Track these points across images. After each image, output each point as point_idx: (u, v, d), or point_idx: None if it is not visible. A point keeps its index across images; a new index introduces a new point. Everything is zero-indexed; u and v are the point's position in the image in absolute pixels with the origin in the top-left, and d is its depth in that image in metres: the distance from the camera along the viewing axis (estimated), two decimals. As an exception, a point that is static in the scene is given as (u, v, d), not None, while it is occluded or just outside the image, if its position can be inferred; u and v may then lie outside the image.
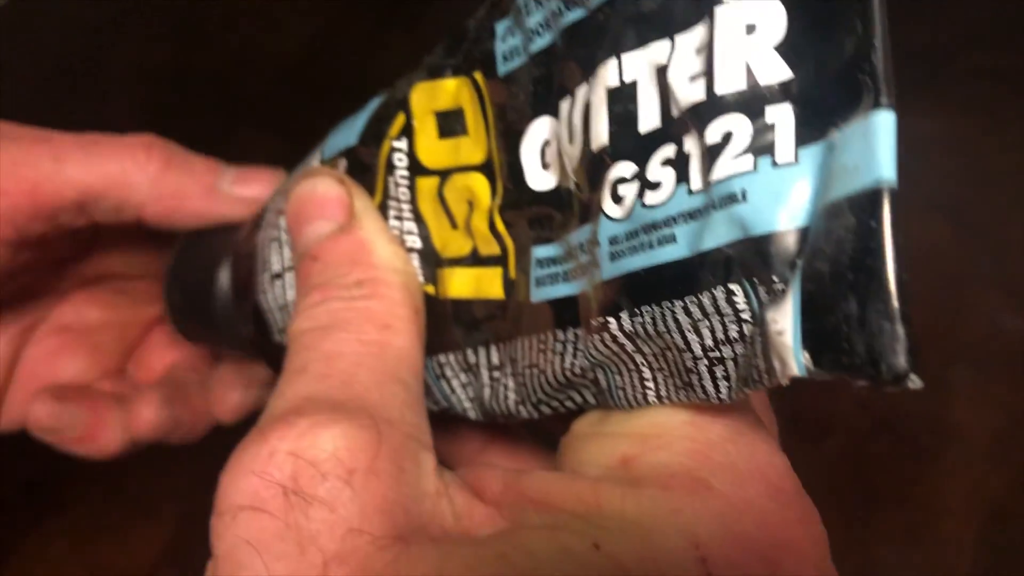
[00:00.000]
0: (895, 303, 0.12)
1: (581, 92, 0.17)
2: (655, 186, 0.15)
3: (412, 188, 0.20)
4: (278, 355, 0.23)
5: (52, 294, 0.29)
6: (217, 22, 0.68)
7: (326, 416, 0.16)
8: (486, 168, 0.19)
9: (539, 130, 0.18)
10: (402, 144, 0.20)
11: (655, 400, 0.17)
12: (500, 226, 0.19)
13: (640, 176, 0.15)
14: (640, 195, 0.15)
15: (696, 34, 0.15)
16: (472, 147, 0.19)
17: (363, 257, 0.19)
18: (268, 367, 0.25)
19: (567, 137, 0.17)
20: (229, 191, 0.24)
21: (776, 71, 0.14)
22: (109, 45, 0.67)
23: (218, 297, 0.25)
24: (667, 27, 0.15)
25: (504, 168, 0.19)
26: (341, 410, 0.16)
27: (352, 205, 0.19)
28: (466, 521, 0.16)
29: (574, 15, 0.17)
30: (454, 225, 0.20)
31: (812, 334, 0.13)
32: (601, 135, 0.16)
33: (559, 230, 0.18)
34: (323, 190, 0.19)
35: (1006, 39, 0.59)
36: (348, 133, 0.21)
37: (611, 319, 0.16)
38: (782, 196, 0.13)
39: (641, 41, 0.15)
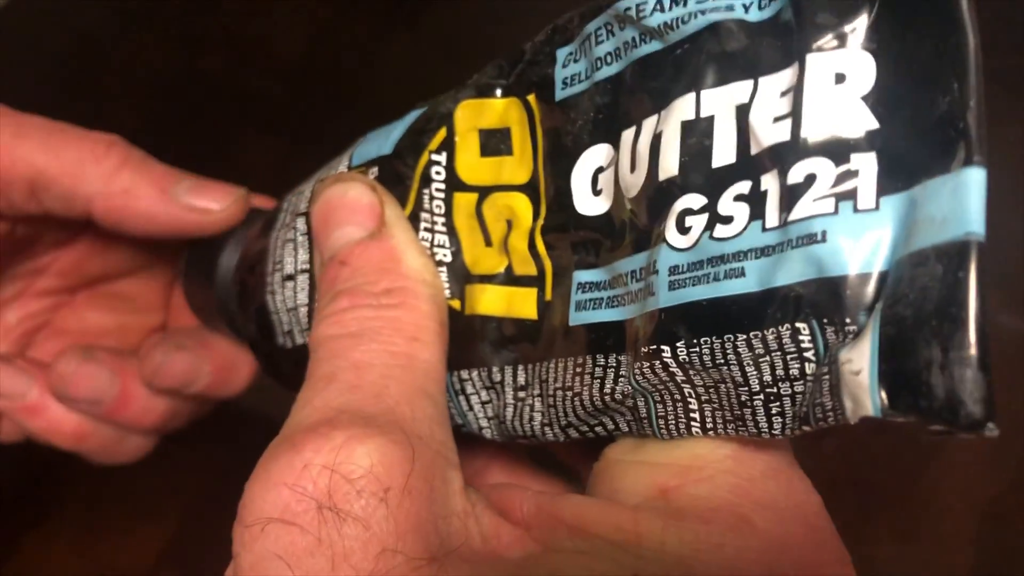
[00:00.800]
0: (977, 352, 0.12)
1: (649, 123, 0.17)
2: (727, 220, 0.15)
3: (448, 202, 0.20)
4: (279, 358, 0.22)
5: (47, 298, 0.29)
6: (218, 23, 0.68)
7: (361, 430, 0.16)
8: (529, 188, 0.19)
9: (594, 156, 0.18)
10: (441, 158, 0.20)
11: (699, 432, 0.17)
12: (540, 247, 0.19)
13: (710, 209, 0.16)
14: (709, 227, 0.16)
15: (782, 78, 0.15)
16: (516, 167, 0.19)
17: (393, 266, 0.19)
18: (266, 371, 0.25)
19: (628, 166, 0.17)
20: (183, 198, 0.24)
21: (863, 121, 0.14)
22: (110, 47, 0.67)
23: (220, 291, 0.25)
24: (752, 69, 0.15)
25: (551, 191, 0.19)
26: (374, 424, 0.16)
27: (384, 213, 0.19)
28: (494, 542, 0.16)
29: (650, 48, 0.17)
30: (488, 243, 0.20)
31: (890, 375, 0.13)
32: (671, 166, 0.16)
33: (606, 256, 0.18)
34: (355, 195, 0.19)
35: (1004, 40, 0.59)
36: (382, 142, 0.21)
37: (665, 347, 0.16)
38: (862, 241, 0.14)
39: (722, 80, 0.16)
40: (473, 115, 0.20)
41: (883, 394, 0.13)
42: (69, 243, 0.28)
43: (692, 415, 0.17)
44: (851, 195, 0.14)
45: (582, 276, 0.18)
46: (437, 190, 0.20)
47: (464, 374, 0.20)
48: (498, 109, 0.20)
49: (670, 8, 0.16)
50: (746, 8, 0.16)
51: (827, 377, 0.14)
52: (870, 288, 0.14)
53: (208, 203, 0.25)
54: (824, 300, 0.14)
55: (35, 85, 0.68)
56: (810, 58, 0.15)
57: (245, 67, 0.65)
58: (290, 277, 0.22)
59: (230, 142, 0.62)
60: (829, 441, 0.42)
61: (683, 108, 0.16)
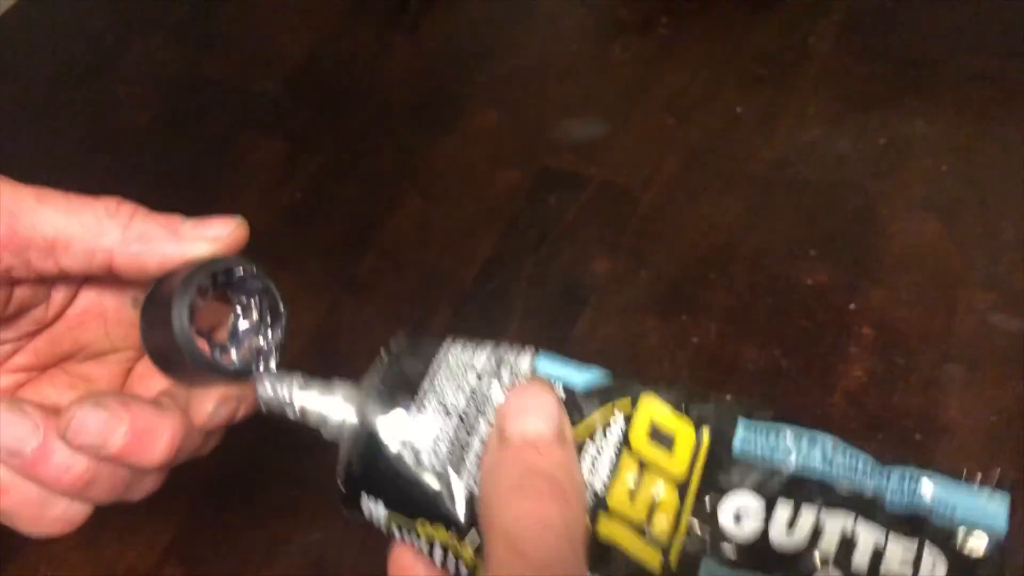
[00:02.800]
0: None
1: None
2: None
3: (619, 454, 0.24)
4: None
5: (19, 374, 0.30)
6: (222, 28, 0.69)
7: None
8: (680, 487, 0.23)
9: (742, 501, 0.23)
10: (620, 420, 0.25)
11: None
12: (681, 528, 0.23)
13: None
14: None
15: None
16: (673, 464, 0.24)
17: (571, 470, 0.23)
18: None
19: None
20: (192, 232, 0.27)
21: None
22: (116, 50, 0.67)
23: (180, 337, 0.26)
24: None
25: (699, 505, 0.23)
26: None
27: (565, 425, 0.24)
28: None
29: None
30: (632, 497, 0.23)
31: None
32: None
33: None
34: (548, 402, 0.24)
35: (996, 43, 0.59)
36: (567, 372, 0.26)
37: None
38: None
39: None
40: (653, 409, 0.25)
41: None
42: (53, 320, 0.29)
43: None
44: None
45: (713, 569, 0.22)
46: (613, 438, 0.24)
47: None
48: (672, 418, 0.24)
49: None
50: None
51: None
52: None
53: (216, 232, 0.28)
54: None
55: (42, 88, 0.68)
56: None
57: (248, 71, 0.65)
58: (446, 412, 0.25)
59: (233, 144, 0.62)
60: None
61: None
